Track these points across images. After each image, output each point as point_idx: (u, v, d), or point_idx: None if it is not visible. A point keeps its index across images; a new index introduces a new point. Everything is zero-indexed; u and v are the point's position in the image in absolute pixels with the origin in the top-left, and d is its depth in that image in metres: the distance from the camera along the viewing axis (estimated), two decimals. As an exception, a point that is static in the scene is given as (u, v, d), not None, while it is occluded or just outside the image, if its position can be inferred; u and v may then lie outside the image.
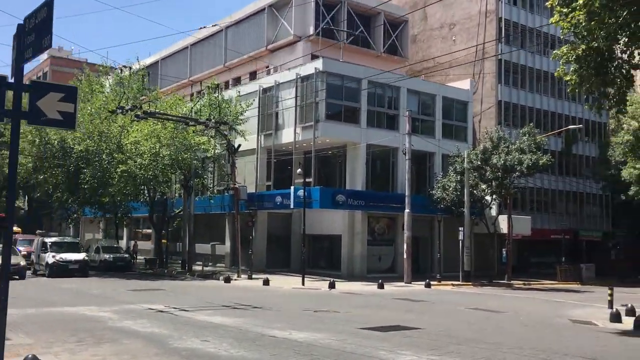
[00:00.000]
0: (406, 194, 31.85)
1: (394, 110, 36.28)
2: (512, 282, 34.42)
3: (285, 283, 28.28)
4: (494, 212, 37.34)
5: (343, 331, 12.46)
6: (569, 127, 38.86)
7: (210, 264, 40.02)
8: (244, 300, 19.17)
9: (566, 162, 45.48)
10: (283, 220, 37.65)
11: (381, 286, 27.15)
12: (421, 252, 37.86)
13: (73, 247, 31.38)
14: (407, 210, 31.58)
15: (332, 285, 26.46)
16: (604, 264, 44.83)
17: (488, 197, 34.86)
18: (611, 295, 20.97)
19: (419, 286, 29.13)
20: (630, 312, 18.65)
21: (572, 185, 45.58)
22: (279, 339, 11.27)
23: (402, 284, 30.25)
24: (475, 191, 34.04)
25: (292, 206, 31.65)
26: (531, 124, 34.39)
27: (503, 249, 37.03)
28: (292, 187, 31.74)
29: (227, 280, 28.64)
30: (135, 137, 30.80)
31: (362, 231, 34.17)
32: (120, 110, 23.35)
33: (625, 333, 14.45)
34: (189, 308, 16.24)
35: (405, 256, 31.59)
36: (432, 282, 30.20)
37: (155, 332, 12.09)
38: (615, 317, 17.18)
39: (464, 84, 40.49)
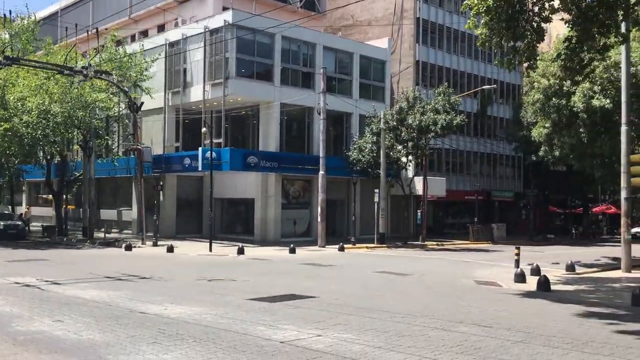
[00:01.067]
0: (321, 155, 30.77)
1: (309, 68, 34.82)
2: (426, 243, 34.47)
3: (191, 250, 26.71)
4: (410, 173, 37.08)
5: (228, 303, 11.18)
6: (484, 87, 38.89)
7: (115, 230, 37.67)
8: (136, 269, 17.50)
9: (481, 123, 45.94)
10: (194, 184, 35.72)
11: (293, 251, 26.16)
12: (338, 215, 37.17)
13: (-47, 215, 28.23)
14: (321, 172, 30.57)
15: (240, 251, 25.17)
16: (516, 224, 46.21)
17: (404, 159, 34.39)
18: (518, 254, 20.85)
19: (332, 250, 28.39)
20: (535, 271, 18.53)
21: (486, 146, 46.21)
22: (149, 316, 9.82)
23: (316, 248, 29.44)
24: (391, 152, 33.46)
25: (200, 168, 29.79)
26: (446, 84, 33.93)
27: (418, 211, 36.99)
28: (200, 149, 29.80)
29: (129, 248, 26.68)
30: (21, 92, 27.69)
31: (275, 194, 32.91)
32: (-25, 56, 20.50)
33: (527, 294, 14.06)
34: (63, 281, 14.41)
35: (319, 219, 30.71)
36: (346, 246, 29.57)
37: (4, 311, 10.31)
38: (520, 277, 16.93)
39: (382, 43, 39.51)
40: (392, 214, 38.78)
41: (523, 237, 41.50)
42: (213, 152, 30.08)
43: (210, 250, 25.97)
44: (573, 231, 47.16)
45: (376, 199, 32.66)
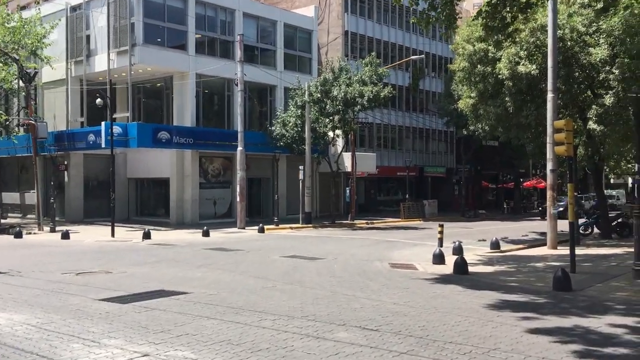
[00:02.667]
0: (239, 130, 28.48)
1: (228, 37, 32.21)
2: (355, 222, 32.94)
3: (92, 235, 24.03)
4: (339, 149, 35.30)
5: (67, 307, 8.93)
6: (412, 57, 37.36)
7: (18, 215, 34.29)
8: (1, 262, 14.91)
9: (413, 97, 44.63)
10: (104, 163, 32.51)
11: (206, 234, 23.99)
12: (263, 194, 35.10)
13: None
14: (240, 148, 28.35)
15: (146, 236, 22.77)
16: (448, 200, 45.44)
17: (331, 133, 32.50)
18: (441, 232, 19.44)
19: (252, 231, 26.36)
20: (457, 250, 17.15)
21: (418, 121, 45.00)
22: (-59, 330, 7.46)
23: (235, 230, 27.35)
24: (317, 127, 31.49)
25: (103, 145, 26.89)
26: (373, 54, 32.08)
27: (347, 188, 35.37)
28: (103, 123, 26.86)
29: (19, 235, 23.77)
30: None
31: (192, 173, 30.42)
32: None
33: (441, 279, 12.46)
34: None
35: (239, 199, 28.54)
36: (268, 227, 27.66)
37: None
38: (438, 259, 15.42)
39: (308, 11, 37.27)
40: (321, 192, 37.04)
41: (455, 213, 40.78)
42: (119, 127, 27.51)
43: (113, 235, 23.39)
44: (505, 206, 46.95)
45: (301, 177, 30.79)
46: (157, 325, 7.58)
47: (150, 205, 33.77)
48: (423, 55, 39.44)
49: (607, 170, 36.27)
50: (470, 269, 13.92)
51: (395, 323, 7.72)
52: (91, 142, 28.91)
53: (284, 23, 34.97)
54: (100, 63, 30.04)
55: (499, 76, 20.24)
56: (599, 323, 7.89)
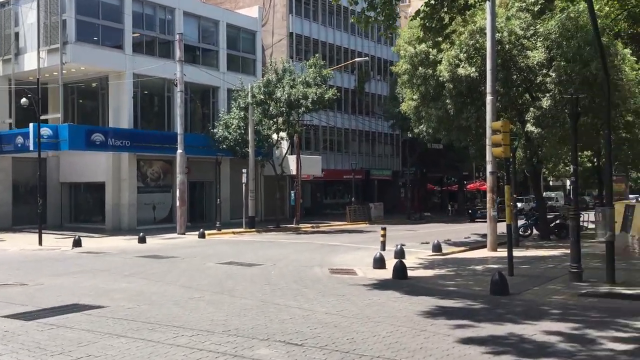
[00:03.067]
0: (178, 132, 27.50)
1: (168, 36, 31.15)
2: (300, 225, 32.42)
3: (18, 244, 22.57)
4: (284, 152, 34.71)
5: (-37, 326, 8.00)
6: (357, 59, 37.25)
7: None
8: None
9: (359, 100, 44.58)
10: (34, 167, 30.64)
11: (142, 240, 22.93)
12: (206, 199, 34.12)
13: None
14: (179, 151, 27.37)
15: (77, 243, 21.50)
16: (395, 202, 45.59)
17: (275, 135, 31.89)
18: (384, 236, 19.29)
19: (192, 237, 25.44)
20: (399, 254, 16.88)
21: (364, 124, 44.98)
22: None
23: (175, 235, 26.36)
24: (261, 129, 30.83)
25: (31, 148, 25.37)
26: (317, 55, 31.70)
27: (292, 191, 34.85)
28: (30, 125, 25.34)
29: None
30: None
31: (130, 177, 29.19)
32: None
33: (379, 285, 12.07)
34: None
35: (179, 204, 27.54)
36: (210, 232, 26.81)
37: None
38: (379, 263, 15.05)
39: (252, 12, 36.59)
40: (265, 196, 36.39)
41: (401, 216, 40.86)
42: (48, 129, 26.17)
43: (40, 243, 22.00)
44: (449, 208, 47.50)
45: (244, 180, 30.03)
46: (57, 346, 6.80)
47: (85, 210, 32.23)
48: (368, 58, 39.44)
49: (546, 172, 36.90)
50: (410, 273, 13.63)
51: (323, 336, 7.22)
52: (19, 145, 27.30)
53: (227, 23, 34.16)
54: (30, 61, 28.45)
55: (440, 78, 20.18)
56: (534, 330, 7.62)
